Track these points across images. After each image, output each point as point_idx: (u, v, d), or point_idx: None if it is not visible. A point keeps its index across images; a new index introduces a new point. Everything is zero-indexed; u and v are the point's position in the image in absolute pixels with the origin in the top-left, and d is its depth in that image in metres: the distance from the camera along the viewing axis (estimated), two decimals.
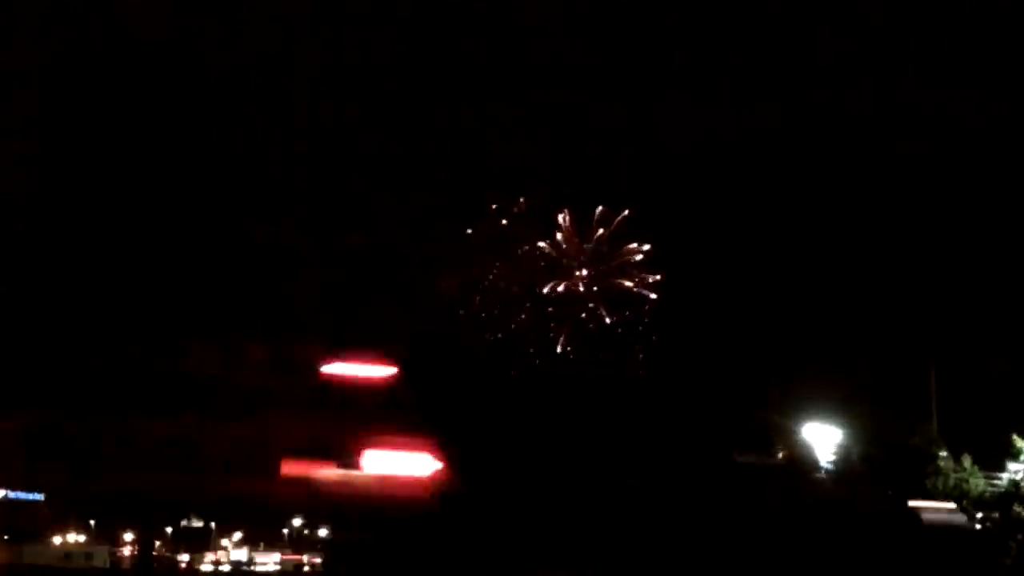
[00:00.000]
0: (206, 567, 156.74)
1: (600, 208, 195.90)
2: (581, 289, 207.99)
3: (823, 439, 67.23)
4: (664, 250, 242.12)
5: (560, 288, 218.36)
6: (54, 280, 55.53)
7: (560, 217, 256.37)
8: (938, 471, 63.78)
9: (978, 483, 64.93)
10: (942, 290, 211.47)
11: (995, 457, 71.30)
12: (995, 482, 67.12)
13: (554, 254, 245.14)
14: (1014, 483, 64.95)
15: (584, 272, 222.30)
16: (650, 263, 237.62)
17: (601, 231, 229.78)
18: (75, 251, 55.32)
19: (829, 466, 67.14)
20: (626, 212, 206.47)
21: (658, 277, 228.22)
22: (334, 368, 43.02)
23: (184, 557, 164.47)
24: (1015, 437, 66.07)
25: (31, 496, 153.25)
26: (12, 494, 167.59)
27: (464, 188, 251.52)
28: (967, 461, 65.70)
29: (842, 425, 68.78)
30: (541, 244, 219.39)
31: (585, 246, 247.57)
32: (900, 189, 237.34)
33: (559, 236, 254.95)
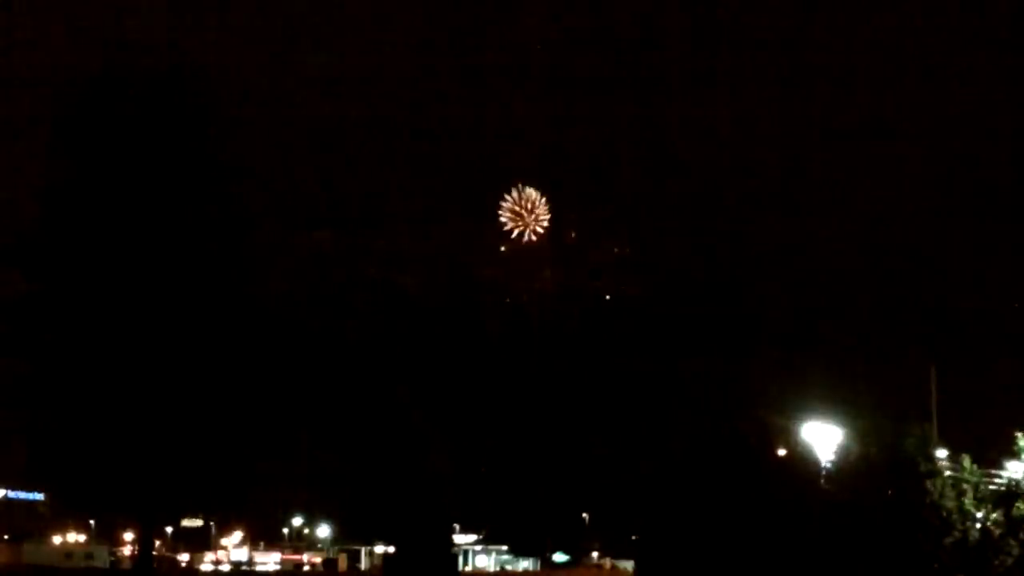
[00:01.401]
0: (206, 567, 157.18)
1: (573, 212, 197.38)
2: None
3: (823, 439, 67.09)
4: (653, 251, 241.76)
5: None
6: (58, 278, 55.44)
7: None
8: (933, 472, 63.55)
9: (978, 483, 64.81)
10: (942, 290, 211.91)
11: (995, 457, 71.29)
12: (995, 481, 67.05)
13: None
14: (1014, 482, 64.84)
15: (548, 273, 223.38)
16: (632, 267, 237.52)
17: (574, 234, 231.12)
18: (77, 250, 55.25)
19: (829, 466, 67.06)
20: (602, 210, 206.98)
21: (637, 289, 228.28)
22: None
23: (184, 557, 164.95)
24: (1018, 435, 65.92)
25: (31, 496, 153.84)
26: (12, 494, 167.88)
27: (460, 187, 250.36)
28: (966, 461, 65.59)
29: (842, 425, 68.67)
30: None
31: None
32: (900, 189, 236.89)
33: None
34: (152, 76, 57.26)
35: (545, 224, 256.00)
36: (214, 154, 57.77)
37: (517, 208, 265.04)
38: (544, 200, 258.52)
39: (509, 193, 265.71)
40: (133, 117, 56.36)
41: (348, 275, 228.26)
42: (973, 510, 63.12)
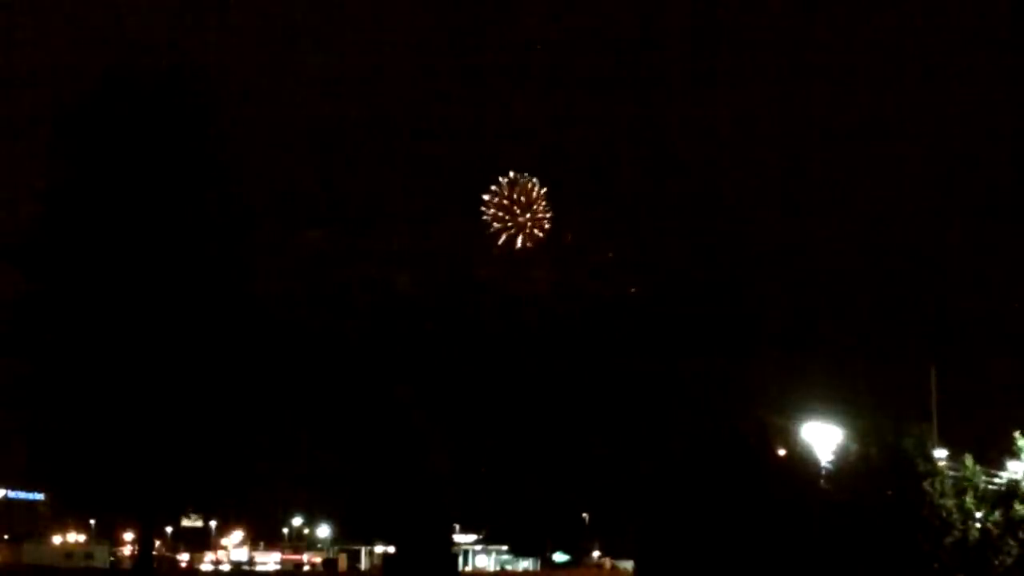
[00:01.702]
0: (206, 567, 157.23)
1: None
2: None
3: (823, 439, 67.15)
4: (653, 251, 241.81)
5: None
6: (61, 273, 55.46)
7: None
8: (932, 472, 63.60)
9: (978, 482, 64.86)
10: (942, 290, 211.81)
11: (995, 457, 71.39)
12: (995, 481, 67.11)
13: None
14: (1014, 482, 64.91)
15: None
16: (632, 267, 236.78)
17: (570, 236, 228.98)
18: (77, 250, 55.29)
19: (829, 466, 67.11)
20: (602, 210, 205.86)
21: (633, 290, 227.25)
22: None
23: (184, 557, 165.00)
24: (1016, 435, 66.00)
25: (31, 496, 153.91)
26: (12, 494, 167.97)
27: (460, 187, 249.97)
28: (968, 460, 65.63)
29: (842, 425, 68.73)
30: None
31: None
32: (900, 189, 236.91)
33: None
34: (152, 76, 57.28)
35: (546, 225, 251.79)
36: (214, 154, 57.79)
37: (507, 203, 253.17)
38: (544, 192, 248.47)
39: (498, 185, 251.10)
40: (133, 117, 56.36)
41: (347, 275, 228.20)
42: (973, 510, 63.19)
